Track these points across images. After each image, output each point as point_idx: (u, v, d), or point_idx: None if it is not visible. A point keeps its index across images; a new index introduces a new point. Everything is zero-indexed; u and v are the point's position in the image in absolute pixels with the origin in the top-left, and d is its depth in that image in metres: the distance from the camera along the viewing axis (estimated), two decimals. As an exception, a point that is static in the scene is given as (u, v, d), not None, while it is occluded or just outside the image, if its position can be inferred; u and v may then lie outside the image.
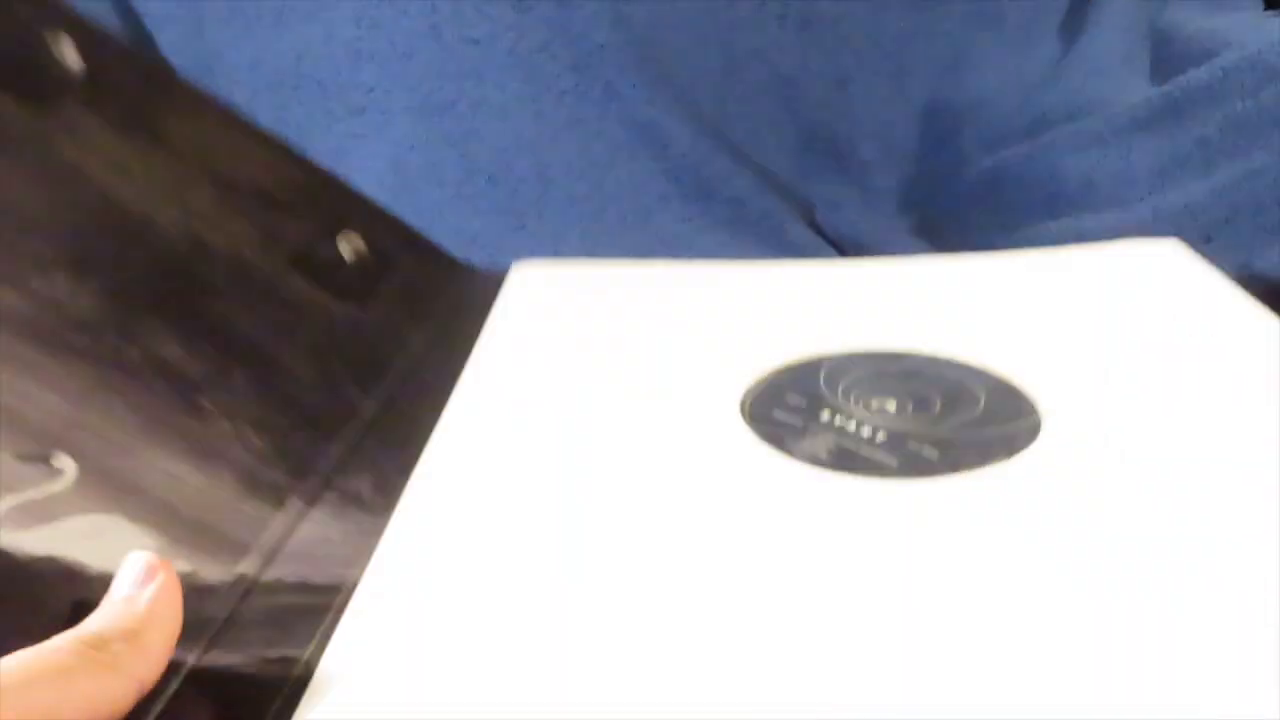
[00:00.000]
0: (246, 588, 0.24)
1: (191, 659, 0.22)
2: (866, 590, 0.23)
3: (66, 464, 0.24)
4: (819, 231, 0.60)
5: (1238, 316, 0.35)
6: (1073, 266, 0.40)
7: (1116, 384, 0.31)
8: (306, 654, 0.22)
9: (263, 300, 0.33)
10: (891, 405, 0.31)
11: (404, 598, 0.24)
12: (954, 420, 0.30)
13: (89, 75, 0.33)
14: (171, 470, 0.26)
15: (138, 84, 0.37)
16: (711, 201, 0.59)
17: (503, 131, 0.58)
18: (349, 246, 0.38)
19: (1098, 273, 0.40)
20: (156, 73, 0.44)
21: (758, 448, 0.29)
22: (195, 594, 0.21)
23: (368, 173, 0.58)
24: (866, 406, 0.31)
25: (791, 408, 0.31)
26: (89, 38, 0.34)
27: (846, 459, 0.28)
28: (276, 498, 0.27)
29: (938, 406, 0.31)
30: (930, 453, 0.28)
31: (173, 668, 0.21)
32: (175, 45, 0.59)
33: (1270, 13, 0.61)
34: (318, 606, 0.23)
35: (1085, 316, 0.36)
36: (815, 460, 0.28)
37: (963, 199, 0.59)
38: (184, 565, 0.24)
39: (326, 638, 0.23)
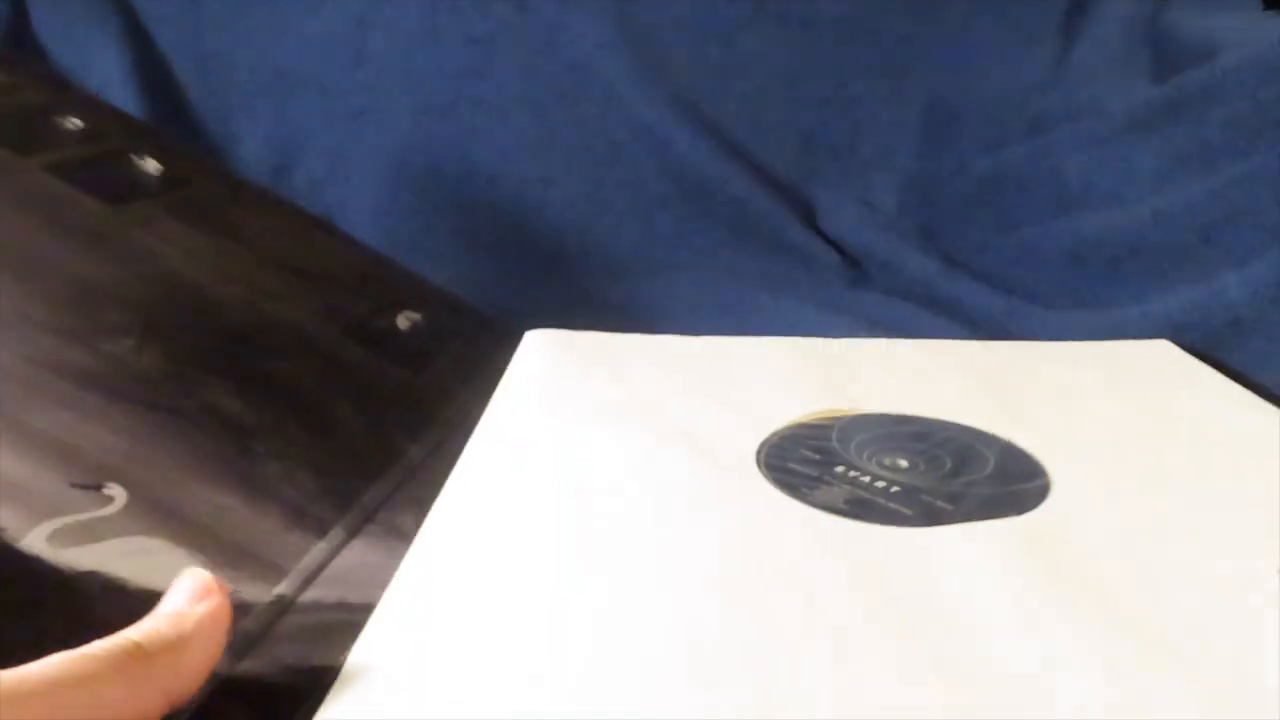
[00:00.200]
0: (284, 606, 0.25)
1: (224, 669, 0.22)
2: (888, 625, 0.23)
3: (117, 492, 0.25)
4: (819, 232, 0.60)
5: (1230, 405, 0.37)
6: (1077, 358, 0.42)
7: (1120, 455, 0.32)
8: (339, 665, 0.22)
9: (319, 364, 0.36)
10: (904, 462, 0.32)
11: (420, 619, 0.24)
12: (965, 478, 0.31)
13: (166, 178, 0.40)
14: (219, 502, 0.27)
15: (212, 185, 0.44)
16: (712, 201, 0.59)
17: (503, 131, 0.58)
18: (405, 320, 0.41)
19: (1100, 363, 0.41)
20: (230, 177, 0.50)
21: (775, 495, 0.30)
22: (234, 610, 0.22)
23: (368, 173, 0.58)
24: (879, 463, 0.32)
25: (806, 460, 0.32)
26: (169, 148, 0.41)
27: (863, 507, 0.29)
28: (319, 529, 0.28)
29: (949, 465, 0.31)
30: (944, 504, 0.29)
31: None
32: (175, 45, 0.59)
33: (1270, 13, 0.61)
34: (353, 624, 0.24)
35: (1090, 400, 0.37)
36: (832, 508, 0.29)
37: (963, 199, 0.59)
38: (226, 586, 0.24)
39: None
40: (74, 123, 0.42)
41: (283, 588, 0.25)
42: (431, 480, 0.31)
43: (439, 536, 0.28)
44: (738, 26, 0.61)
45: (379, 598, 0.25)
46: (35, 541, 0.23)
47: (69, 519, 0.24)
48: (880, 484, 0.30)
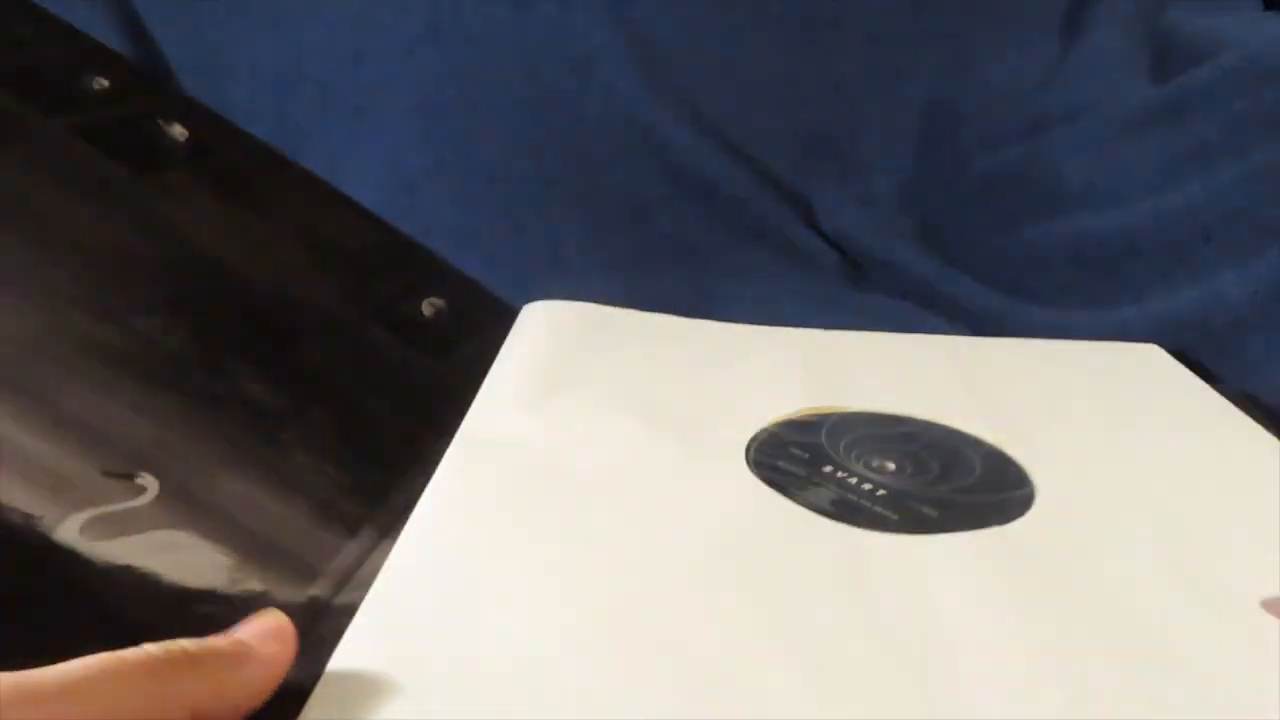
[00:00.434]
0: (318, 611, 0.25)
1: None
2: (870, 635, 0.23)
3: (149, 482, 0.25)
4: (818, 231, 0.60)
5: (1214, 414, 0.37)
6: (1066, 359, 0.42)
7: (1104, 465, 0.33)
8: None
9: (345, 347, 0.36)
10: (891, 464, 0.32)
11: (404, 617, 0.24)
12: (951, 484, 0.31)
13: (193, 146, 0.40)
14: (247, 493, 0.27)
15: (236, 152, 0.44)
16: (711, 201, 0.59)
17: (503, 131, 0.58)
18: (430, 306, 0.41)
19: (1088, 366, 0.41)
20: (255, 144, 0.49)
21: (762, 492, 0.30)
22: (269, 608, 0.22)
23: (368, 173, 0.58)
24: (867, 464, 0.32)
25: (794, 458, 0.32)
26: (196, 114, 0.41)
27: (848, 510, 0.29)
28: (349, 527, 0.28)
29: (935, 470, 0.32)
30: (930, 511, 0.29)
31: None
32: (175, 45, 0.59)
33: (1270, 13, 0.61)
34: None
35: (1076, 404, 0.38)
36: (818, 509, 0.29)
37: (962, 199, 0.59)
38: (256, 585, 0.24)
39: None
40: (100, 83, 0.41)
41: (317, 589, 0.25)
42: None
43: (423, 533, 0.27)
44: (738, 26, 0.61)
45: None
46: (68, 534, 0.23)
47: (102, 509, 0.24)
48: (867, 486, 0.31)
